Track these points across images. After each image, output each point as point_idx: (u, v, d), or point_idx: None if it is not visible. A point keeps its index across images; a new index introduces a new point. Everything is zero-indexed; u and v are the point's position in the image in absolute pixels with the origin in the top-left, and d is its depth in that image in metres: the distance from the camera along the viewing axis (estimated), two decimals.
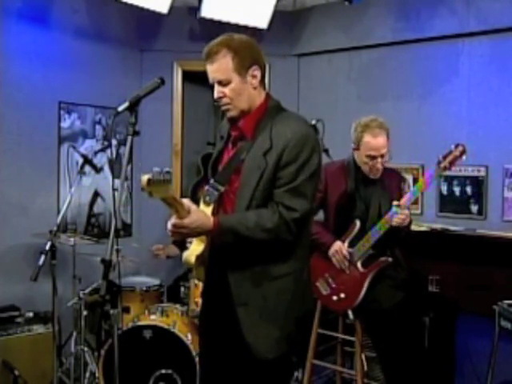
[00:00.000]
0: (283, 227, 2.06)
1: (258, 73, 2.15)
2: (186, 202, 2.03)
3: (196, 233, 2.07)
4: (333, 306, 3.30)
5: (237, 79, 2.11)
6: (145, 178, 1.77)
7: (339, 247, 3.22)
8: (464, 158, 3.05)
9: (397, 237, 3.21)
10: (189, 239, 2.23)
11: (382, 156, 3.17)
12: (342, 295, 3.23)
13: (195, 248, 2.15)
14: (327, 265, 3.27)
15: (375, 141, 3.15)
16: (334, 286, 3.27)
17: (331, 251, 3.24)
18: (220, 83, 2.13)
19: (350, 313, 3.26)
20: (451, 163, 3.06)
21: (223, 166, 2.23)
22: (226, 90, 2.12)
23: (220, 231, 2.05)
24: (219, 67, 2.11)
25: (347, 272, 3.23)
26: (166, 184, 1.83)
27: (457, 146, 3.06)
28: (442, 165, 3.07)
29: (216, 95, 2.15)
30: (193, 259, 2.13)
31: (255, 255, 2.10)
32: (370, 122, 3.18)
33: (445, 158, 3.07)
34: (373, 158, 3.16)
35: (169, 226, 2.04)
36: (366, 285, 3.17)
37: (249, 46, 2.15)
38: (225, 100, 2.14)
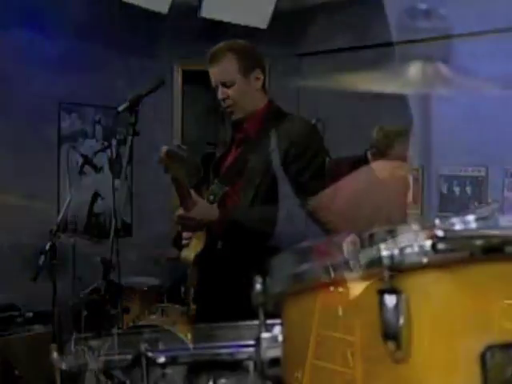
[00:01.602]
0: (289, 223, 2.06)
1: (261, 75, 2.19)
2: (193, 194, 2.06)
3: (202, 225, 2.10)
4: None
5: (241, 81, 2.15)
6: (164, 148, 1.87)
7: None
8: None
9: None
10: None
11: None
12: None
13: (195, 246, 2.14)
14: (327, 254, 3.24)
15: None
16: None
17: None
18: (224, 85, 2.15)
19: None
20: None
21: (228, 166, 2.24)
22: (230, 91, 2.15)
23: (224, 220, 2.08)
24: (224, 69, 2.15)
25: None
26: (182, 161, 1.90)
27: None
28: None
29: (220, 96, 2.17)
30: (192, 256, 2.13)
31: (259, 254, 2.10)
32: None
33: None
34: None
35: (175, 218, 2.09)
36: None
37: (252, 49, 2.23)
38: (228, 101, 2.17)
